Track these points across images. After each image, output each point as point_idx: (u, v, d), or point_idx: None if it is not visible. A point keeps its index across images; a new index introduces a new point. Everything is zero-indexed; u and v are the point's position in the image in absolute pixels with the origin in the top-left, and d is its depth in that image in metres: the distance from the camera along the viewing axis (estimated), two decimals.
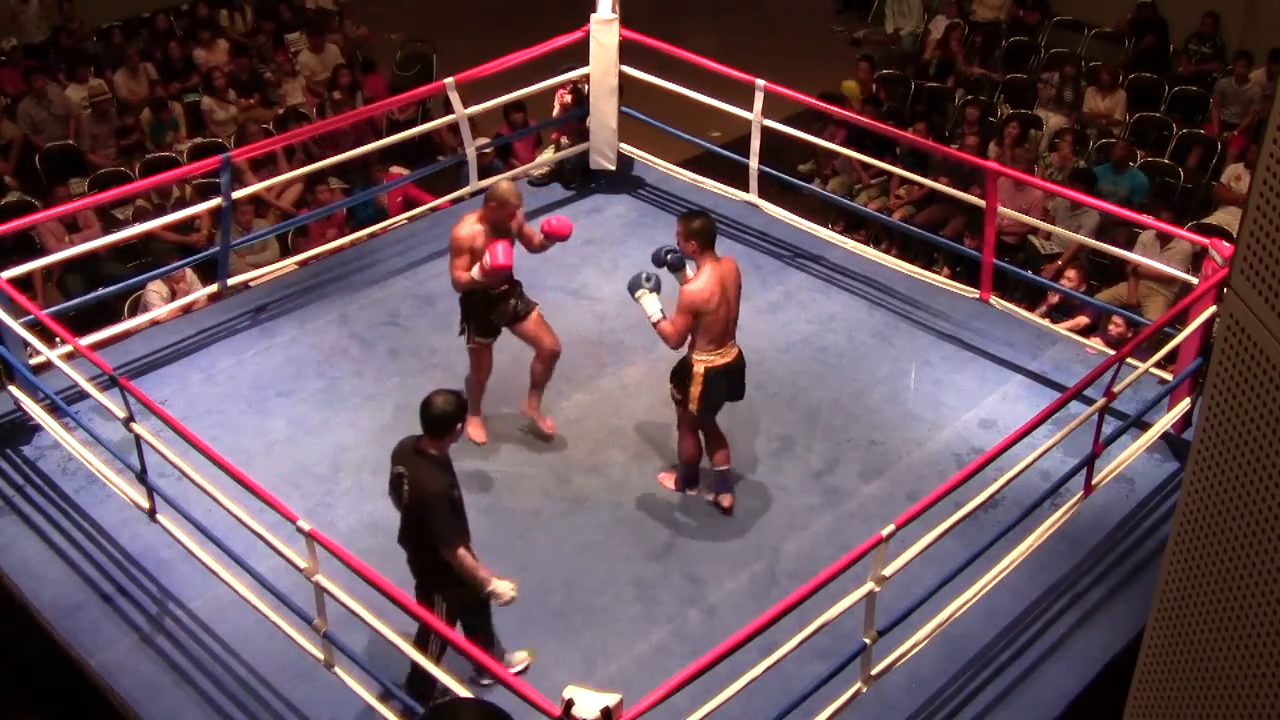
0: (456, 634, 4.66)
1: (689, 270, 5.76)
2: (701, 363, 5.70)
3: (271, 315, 7.37)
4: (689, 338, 5.68)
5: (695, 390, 5.72)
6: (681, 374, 5.79)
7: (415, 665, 4.76)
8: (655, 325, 5.69)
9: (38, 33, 12.22)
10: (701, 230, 5.65)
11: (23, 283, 7.03)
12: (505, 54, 7.94)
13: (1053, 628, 5.47)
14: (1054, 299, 8.52)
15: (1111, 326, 7.90)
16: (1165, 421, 6.34)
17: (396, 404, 6.69)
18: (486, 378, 6.31)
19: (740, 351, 5.83)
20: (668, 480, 6.18)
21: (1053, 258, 9.35)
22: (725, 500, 6.05)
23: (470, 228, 5.90)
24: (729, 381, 5.80)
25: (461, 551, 4.68)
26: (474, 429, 6.38)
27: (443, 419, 4.69)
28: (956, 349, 7.13)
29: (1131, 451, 6.09)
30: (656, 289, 5.71)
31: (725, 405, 6.02)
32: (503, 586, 4.79)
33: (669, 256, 5.82)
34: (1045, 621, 5.49)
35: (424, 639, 4.83)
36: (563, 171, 8.66)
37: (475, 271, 5.85)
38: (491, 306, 6.07)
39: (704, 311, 5.59)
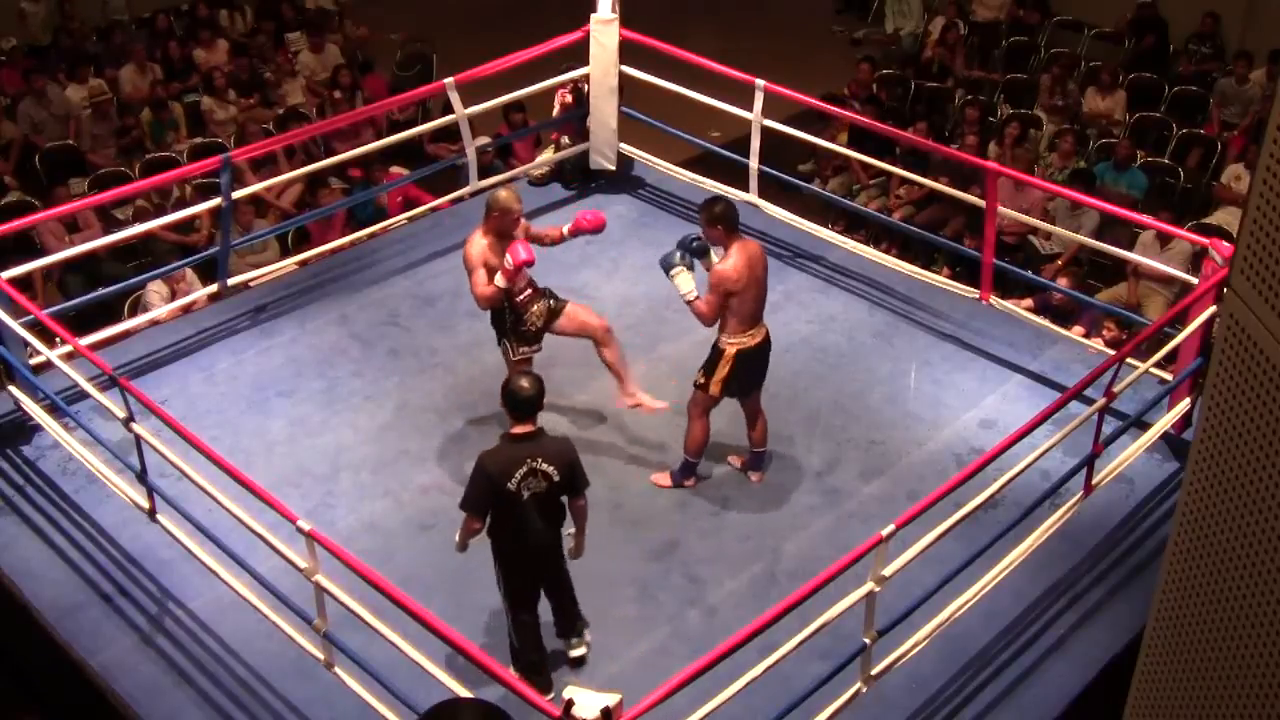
0: (459, 635, 4.65)
1: (714, 255, 5.81)
2: (734, 345, 5.76)
3: (271, 315, 7.37)
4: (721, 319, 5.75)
5: (723, 372, 5.79)
6: (711, 358, 5.84)
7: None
8: (690, 304, 5.74)
9: (44, 34, 12.23)
10: (724, 214, 5.71)
11: (23, 283, 7.03)
12: (505, 54, 7.94)
13: (1053, 628, 5.47)
14: (1058, 299, 8.51)
15: (1105, 331, 7.90)
16: (1165, 421, 6.34)
17: (396, 404, 6.69)
18: None
19: (768, 331, 5.89)
20: (661, 479, 6.18)
21: (1053, 258, 9.36)
22: (755, 477, 6.19)
23: (478, 244, 5.84)
24: (751, 365, 5.86)
25: None
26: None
27: (536, 398, 4.92)
28: (956, 349, 7.13)
29: (1131, 451, 6.09)
30: (691, 267, 5.77)
31: (723, 403, 6.02)
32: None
33: (694, 244, 5.86)
34: (1045, 621, 5.49)
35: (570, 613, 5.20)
36: (563, 171, 8.66)
37: (499, 279, 5.79)
38: (522, 314, 6.01)
39: (734, 292, 5.64)
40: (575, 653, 5.27)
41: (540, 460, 4.83)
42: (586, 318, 6.14)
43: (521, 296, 6.00)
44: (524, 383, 4.89)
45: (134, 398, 5.44)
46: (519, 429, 4.88)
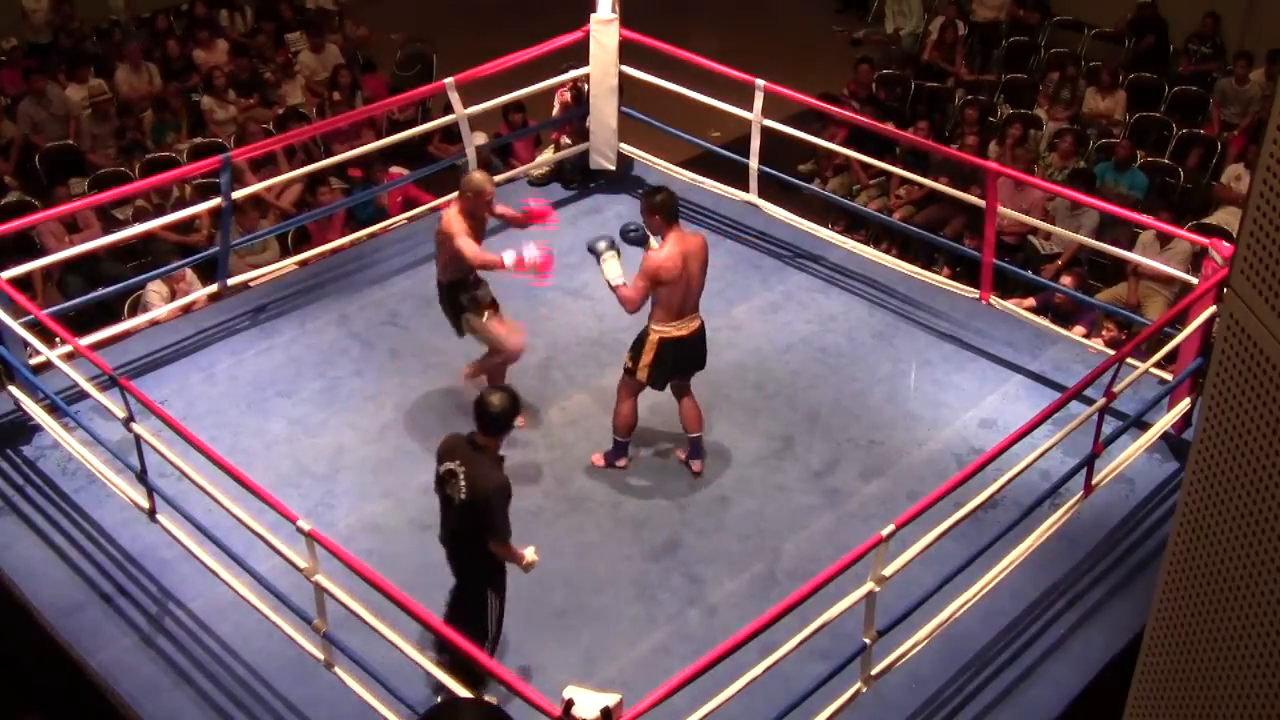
0: (458, 634, 4.65)
1: (653, 243, 5.86)
2: (657, 333, 5.83)
3: (271, 315, 7.37)
4: (648, 307, 5.81)
5: (647, 359, 5.85)
6: (637, 343, 5.91)
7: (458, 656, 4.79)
8: (615, 289, 5.81)
9: (45, 32, 12.23)
10: (663, 204, 5.76)
11: (23, 283, 7.03)
12: (505, 54, 7.95)
13: (1053, 628, 5.47)
14: (1058, 299, 8.50)
15: (1105, 331, 7.90)
16: (1165, 421, 6.34)
17: (396, 404, 6.69)
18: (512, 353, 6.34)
19: (701, 324, 5.94)
20: (597, 459, 6.24)
21: (1053, 258, 9.36)
22: (696, 466, 6.20)
23: (456, 221, 5.95)
24: (679, 354, 5.90)
25: (511, 543, 4.83)
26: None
27: (502, 416, 4.80)
28: (956, 349, 7.13)
29: (1131, 451, 6.09)
30: (618, 253, 5.83)
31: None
32: (531, 554, 4.91)
33: (632, 232, 5.96)
34: (1045, 621, 5.50)
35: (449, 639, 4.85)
36: (563, 171, 8.66)
37: (509, 259, 5.89)
38: (474, 288, 6.13)
39: (664, 281, 5.69)
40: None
41: (461, 471, 4.75)
42: (503, 330, 6.25)
43: (470, 278, 6.13)
44: (493, 399, 4.81)
45: (134, 398, 5.44)
46: (476, 435, 4.82)
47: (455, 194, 8.23)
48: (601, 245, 5.83)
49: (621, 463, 6.21)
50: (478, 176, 6.06)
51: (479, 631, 4.86)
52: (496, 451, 4.84)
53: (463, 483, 4.73)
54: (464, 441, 4.82)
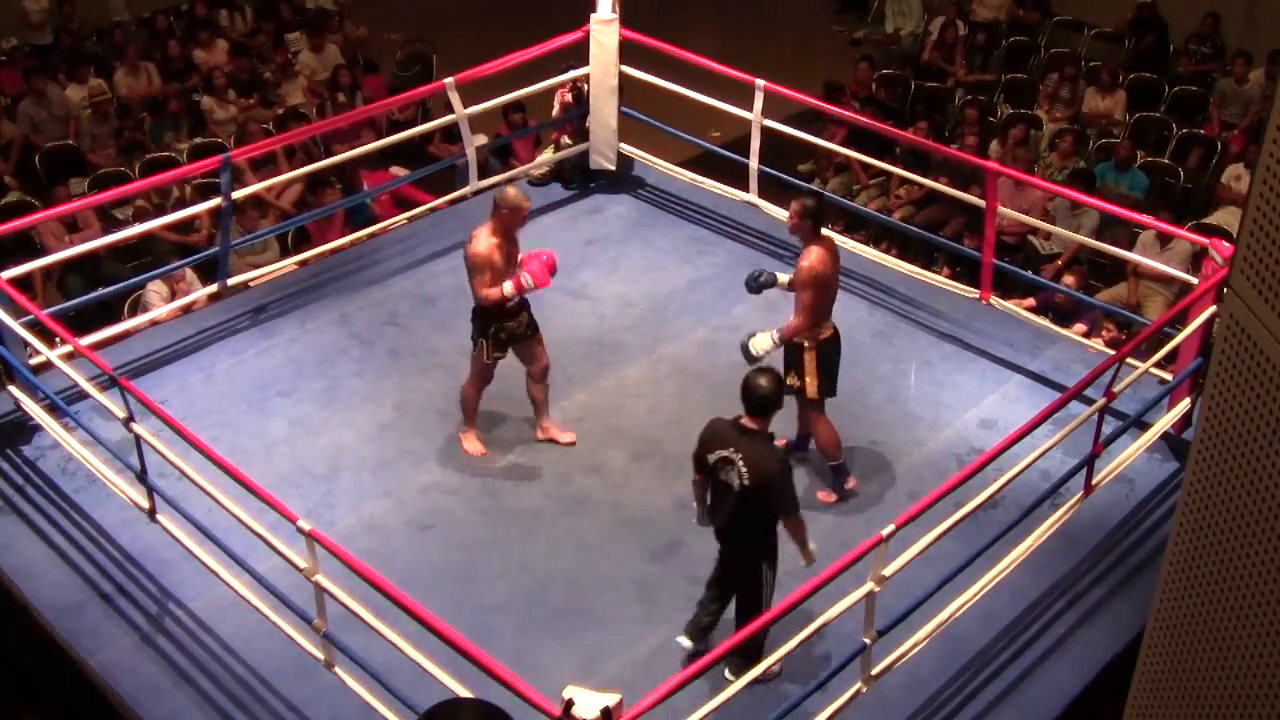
0: (459, 635, 4.65)
1: (781, 278, 5.89)
2: (812, 339, 5.80)
3: (271, 315, 7.37)
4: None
5: (811, 372, 5.81)
6: (793, 363, 5.85)
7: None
8: (790, 322, 5.78)
9: (43, 32, 12.23)
10: (817, 211, 5.76)
11: (23, 283, 7.02)
12: (505, 54, 7.95)
13: (1053, 628, 5.47)
14: (1058, 299, 8.50)
15: (1105, 331, 7.90)
16: (1165, 421, 6.34)
17: (396, 404, 6.69)
18: (482, 388, 6.30)
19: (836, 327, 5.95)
20: (827, 497, 6.11)
21: (1053, 258, 9.36)
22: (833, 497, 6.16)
23: (486, 242, 5.82)
24: (836, 355, 5.91)
25: (801, 517, 4.93)
26: (471, 442, 6.36)
27: (771, 396, 4.86)
28: (956, 349, 7.13)
29: (1131, 451, 6.09)
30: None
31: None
32: (814, 549, 5.04)
33: (762, 278, 5.93)
34: (1045, 621, 5.50)
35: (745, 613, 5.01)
36: (563, 171, 8.66)
37: (509, 288, 5.80)
38: (506, 319, 6.01)
39: (825, 285, 5.70)
40: (683, 642, 5.23)
41: (738, 458, 4.80)
42: (541, 350, 6.22)
43: (512, 303, 5.99)
44: (761, 380, 4.86)
45: (134, 398, 5.44)
46: (744, 419, 4.88)
47: (451, 195, 8.39)
48: (759, 279, 5.92)
49: (850, 484, 6.09)
50: (513, 193, 5.90)
51: (756, 605, 4.97)
52: (766, 431, 4.90)
53: (743, 468, 4.78)
54: (730, 427, 4.88)
